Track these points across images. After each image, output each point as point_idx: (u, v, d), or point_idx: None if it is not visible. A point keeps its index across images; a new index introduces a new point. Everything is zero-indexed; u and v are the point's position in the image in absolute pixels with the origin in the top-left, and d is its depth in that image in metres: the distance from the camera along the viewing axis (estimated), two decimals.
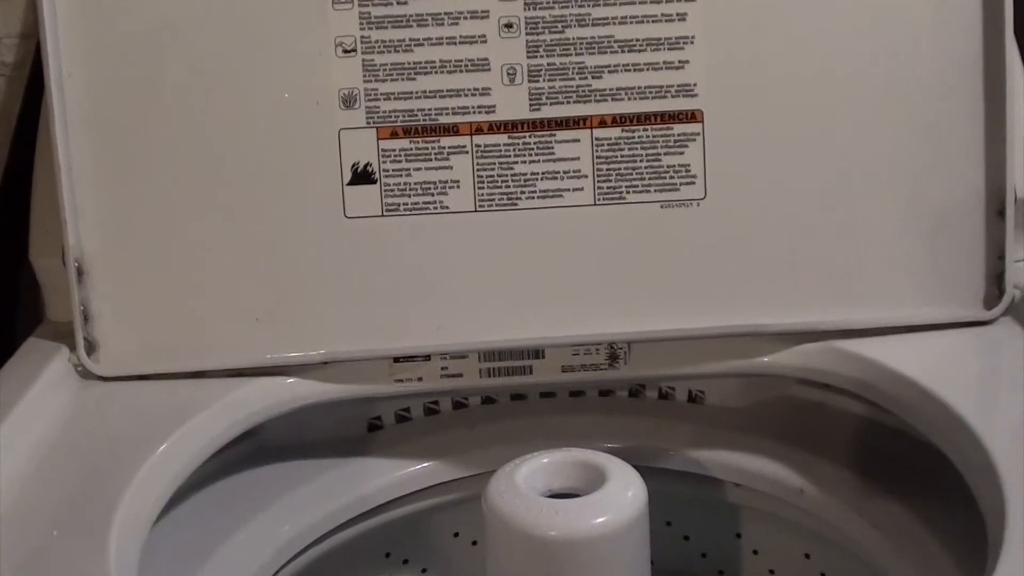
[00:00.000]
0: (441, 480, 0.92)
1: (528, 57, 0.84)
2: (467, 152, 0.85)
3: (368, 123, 0.84)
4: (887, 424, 0.88)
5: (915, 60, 0.84)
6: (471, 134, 0.85)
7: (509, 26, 0.84)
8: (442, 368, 0.89)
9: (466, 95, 0.84)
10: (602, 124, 0.85)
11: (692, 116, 0.85)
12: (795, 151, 0.85)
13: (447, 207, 0.85)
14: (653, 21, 0.84)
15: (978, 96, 0.84)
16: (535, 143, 0.85)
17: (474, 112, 0.85)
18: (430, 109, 0.84)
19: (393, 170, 0.85)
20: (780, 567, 0.93)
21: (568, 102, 0.84)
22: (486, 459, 0.90)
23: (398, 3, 0.84)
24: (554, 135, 0.85)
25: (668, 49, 0.84)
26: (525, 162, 0.85)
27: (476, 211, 0.85)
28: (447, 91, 0.84)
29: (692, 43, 0.84)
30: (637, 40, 0.84)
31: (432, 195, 0.85)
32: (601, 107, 0.84)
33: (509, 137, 0.85)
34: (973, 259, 0.85)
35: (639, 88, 0.84)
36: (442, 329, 0.86)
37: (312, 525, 0.87)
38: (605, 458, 0.78)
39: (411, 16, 0.84)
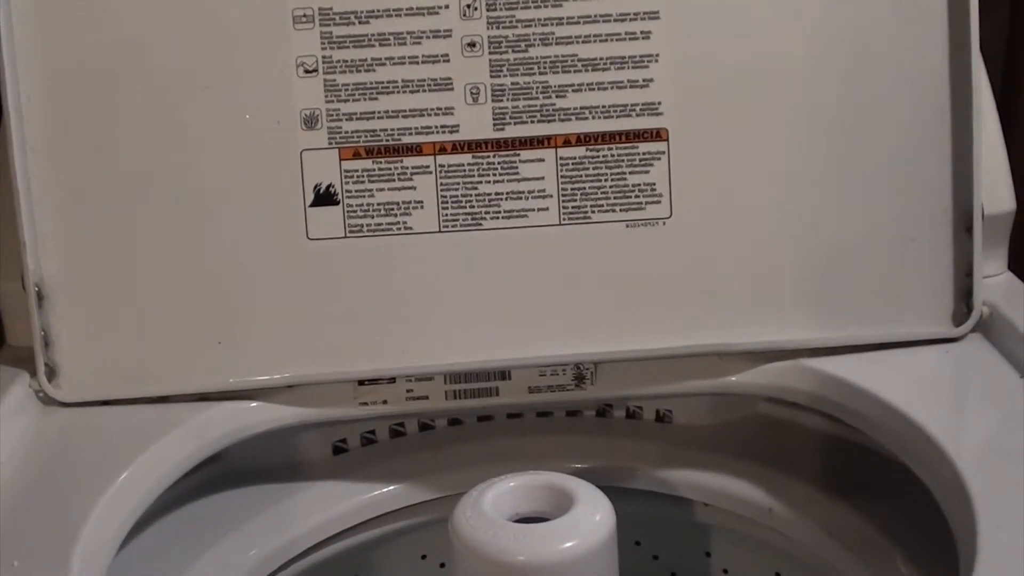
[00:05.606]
0: (408, 503, 0.91)
1: (492, 76, 0.84)
2: (430, 172, 0.84)
3: (330, 143, 0.84)
4: (856, 442, 0.88)
5: (883, 78, 0.84)
6: (434, 154, 0.84)
7: (472, 45, 0.83)
8: (407, 391, 0.88)
9: (429, 115, 0.84)
10: (567, 143, 0.84)
11: (657, 135, 0.84)
12: (762, 169, 0.85)
13: (411, 228, 0.85)
14: (617, 39, 0.83)
15: (945, 113, 0.83)
16: (499, 163, 0.84)
17: (437, 132, 0.84)
18: (393, 129, 0.84)
19: (356, 191, 0.84)
20: None
21: (532, 121, 0.84)
22: (453, 481, 0.89)
23: (360, 22, 0.83)
24: (518, 155, 0.84)
25: (632, 67, 0.84)
26: (489, 182, 0.84)
27: (440, 232, 0.85)
28: (410, 111, 0.84)
29: (656, 61, 0.84)
30: (601, 59, 0.83)
31: (395, 216, 0.84)
32: (565, 126, 0.84)
33: (473, 157, 0.84)
34: (941, 276, 0.85)
35: (603, 107, 0.84)
36: (407, 351, 0.85)
37: (278, 550, 0.86)
38: (573, 481, 0.77)
39: (373, 35, 0.83)
